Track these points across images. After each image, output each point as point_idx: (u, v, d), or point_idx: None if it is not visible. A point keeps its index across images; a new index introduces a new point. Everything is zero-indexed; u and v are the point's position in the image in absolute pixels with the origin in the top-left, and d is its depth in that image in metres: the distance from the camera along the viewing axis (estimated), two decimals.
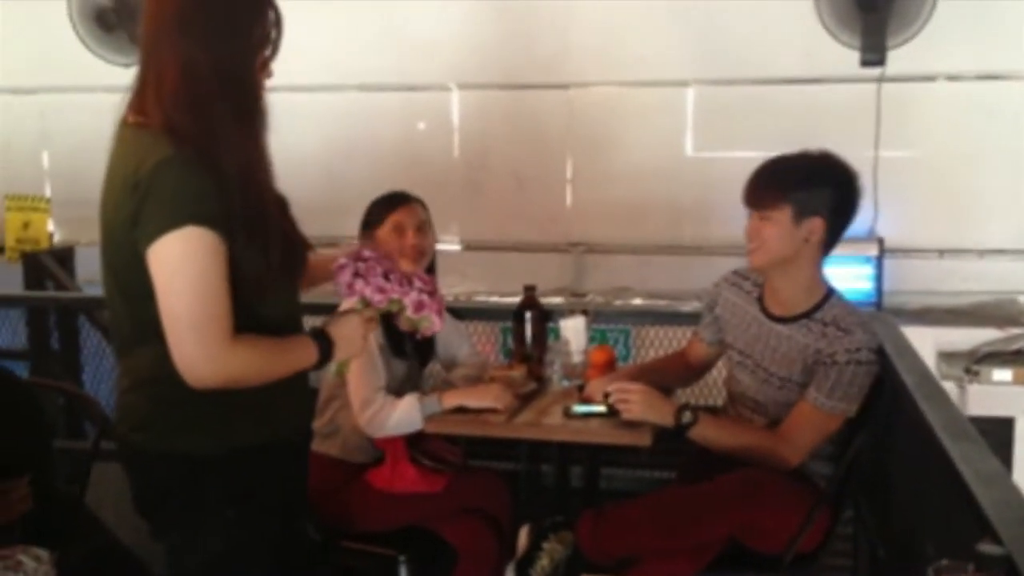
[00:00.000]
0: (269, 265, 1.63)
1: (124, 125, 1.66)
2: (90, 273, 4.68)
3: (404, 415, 2.32)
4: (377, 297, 1.81)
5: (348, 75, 4.52)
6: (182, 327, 1.56)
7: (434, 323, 1.89)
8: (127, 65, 4.59)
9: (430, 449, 2.44)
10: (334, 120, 4.54)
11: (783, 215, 2.21)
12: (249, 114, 1.65)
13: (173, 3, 1.63)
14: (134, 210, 1.57)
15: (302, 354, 1.71)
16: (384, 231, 2.49)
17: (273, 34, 1.68)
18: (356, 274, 1.80)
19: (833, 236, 2.25)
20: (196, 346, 1.55)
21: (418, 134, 4.66)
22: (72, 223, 4.86)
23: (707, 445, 2.26)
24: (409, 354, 2.52)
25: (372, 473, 2.41)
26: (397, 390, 2.40)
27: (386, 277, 1.82)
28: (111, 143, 1.68)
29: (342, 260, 1.82)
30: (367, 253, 1.85)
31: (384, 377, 2.38)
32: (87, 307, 3.96)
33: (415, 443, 2.40)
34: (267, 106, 1.68)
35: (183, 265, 1.55)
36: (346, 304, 1.81)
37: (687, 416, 2.20)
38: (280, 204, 1.76)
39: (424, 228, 2.54)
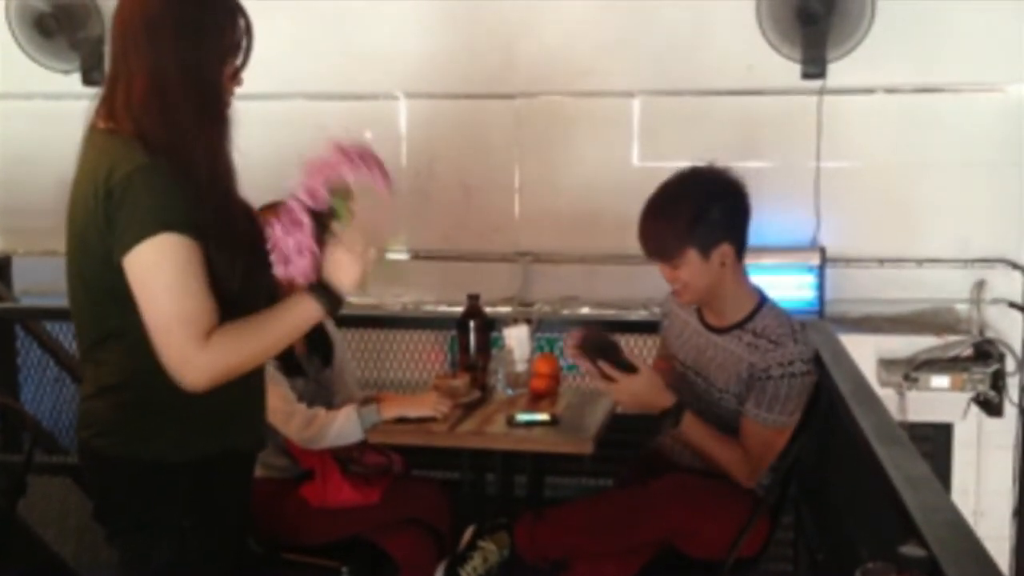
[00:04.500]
0: (235, 273, 1.63)
1: (94, 130, 1.66)
2: (27, 284, 4.58)
3: (343, 427, 2.31)
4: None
5: (293, 83, 4.48)
6: (162, 333, 1.57)
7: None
8: (67, 72, 4.51)
9: (359, 456, 2.44)
10: (280, 128, 4.48)
11: (689, 257, 2.19)
12: (216, 122, 1.65)
13: (143, 9, 1.62)
14: (107, 217, 1.57)
15: (296, 316, 1.65)
16: None
17: (244, 42, 1.69)
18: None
19: (742, 246, 2.25)
20: (176, 351, 1.56)
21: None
22: (9, 233, 4.75)
23: (685, 440, 2.27)
24: (305, 366, 2.50)
25: (306, 489, 2.40)
26: (311, 401, 2.39)
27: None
28: (81, 148, 1.68)
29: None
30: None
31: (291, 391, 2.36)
32: (23, 318, 3.88)
33: (343, 450, 2.40)
34: (233, 115, 1.68)
35: (158, 272, 1.56)
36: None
37: (669, 422, 2.21)
38: (248, 213, 1.75)
39: None
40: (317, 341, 2.51)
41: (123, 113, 1.62)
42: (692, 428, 2.22)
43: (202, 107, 1.62)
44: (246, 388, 1.72)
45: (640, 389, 2.19)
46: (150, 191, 1.56)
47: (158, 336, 1.57)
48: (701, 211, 2.18)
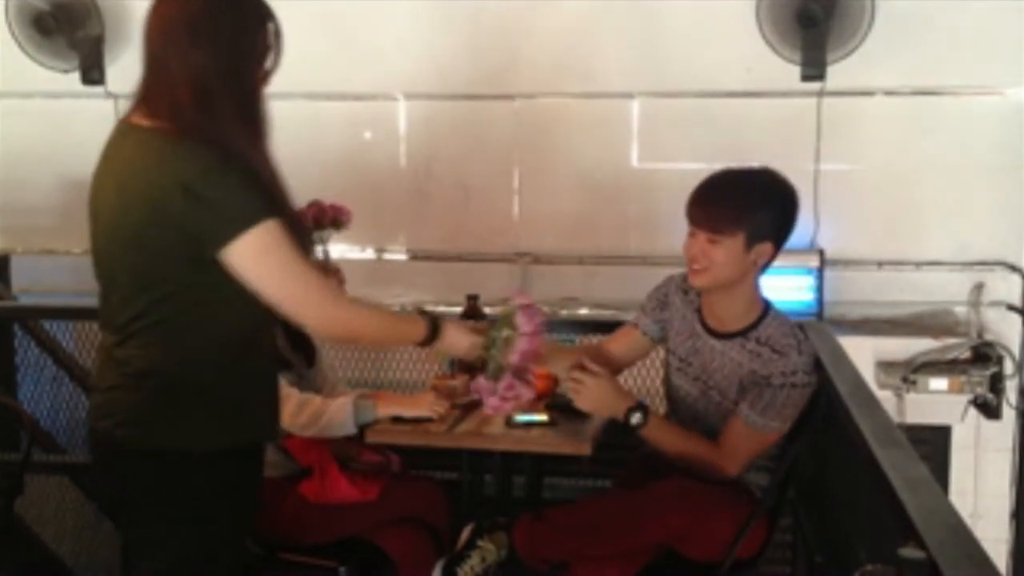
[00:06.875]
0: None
1: (135, 128, 1.68)
2: (25, 282, 4.57)
3: (337, 415, 2.31)
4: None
5: (294, 83, 4.45)
6: (297, 300, 1.66)
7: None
8: (66, 71, 4.50)
9: (356, 454, 2.44)
10: (280, 128, 4.49)
11: (736, 240, 2.16)
12: (256, 122, 1.70)
13: (184, 12, 1.65)
14: (182, 215, 1.61)
15: (412, 328, 1.86)
16: None
17: (274, 45, 1.74)
18: None
19: (775, 256, 2.25)
20: (316, 309, 1.69)
21: (364, 143, 4.64)
22: (8, 232, 4.74)
23: (654, 445, 2.27)
24: (291, 359, 2.49)
25: (304, 486, 2.39)
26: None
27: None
28: (113, 142, 1.71)
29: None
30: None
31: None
32: (22, 316, 3.87)
33: (340, 449, 2.40)
34: (269, 114, 1.74)
35: (272, 255, 1.63)
36: None
37: (636, 418, 2.20)
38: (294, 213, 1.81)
39: None
40: (299, 342, 2.51)
41: (168, 114, 1.64)
42: (656, 430, 2.23)
43: (242, 109, 1.67)
44: (263, 380, 1.77)
45: (599, 393, 2.21)
46: (231, 186, 1.61)
47: (291, 305, 1.66)
48: (766, 201, 2.20)
